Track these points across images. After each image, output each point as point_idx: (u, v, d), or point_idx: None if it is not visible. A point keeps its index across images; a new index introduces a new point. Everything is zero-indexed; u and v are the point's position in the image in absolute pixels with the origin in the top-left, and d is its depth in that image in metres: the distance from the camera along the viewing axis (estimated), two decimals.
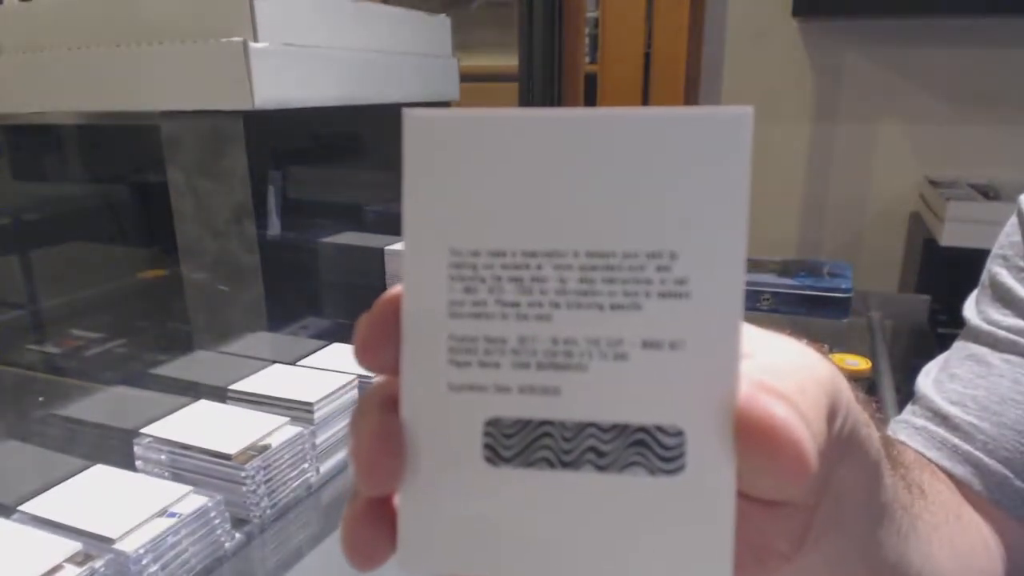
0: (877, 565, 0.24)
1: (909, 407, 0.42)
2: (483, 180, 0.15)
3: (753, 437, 0.15)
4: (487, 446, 0.15)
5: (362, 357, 0.16)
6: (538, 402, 0.15)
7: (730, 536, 0.15)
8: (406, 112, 0.15)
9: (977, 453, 0.37)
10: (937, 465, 0.38)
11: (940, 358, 0.43)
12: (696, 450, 0.15)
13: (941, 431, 0.39)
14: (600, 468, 0.15)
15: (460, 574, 0.16)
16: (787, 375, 0.16)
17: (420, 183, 0.15)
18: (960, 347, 0.42)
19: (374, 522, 0.17)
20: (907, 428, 0.40)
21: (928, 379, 0.42)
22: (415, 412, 0.16)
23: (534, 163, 0.15)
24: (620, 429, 0.15)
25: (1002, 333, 0.39)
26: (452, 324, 0.15)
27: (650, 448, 0.15)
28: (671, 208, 0.15)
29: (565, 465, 0.15)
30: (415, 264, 0.15)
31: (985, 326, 0.40)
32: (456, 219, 0.15)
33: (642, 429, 0.15)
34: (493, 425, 0.15)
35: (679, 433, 0.15)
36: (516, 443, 0.15)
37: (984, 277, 0.43)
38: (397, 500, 0.16)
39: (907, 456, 0.35)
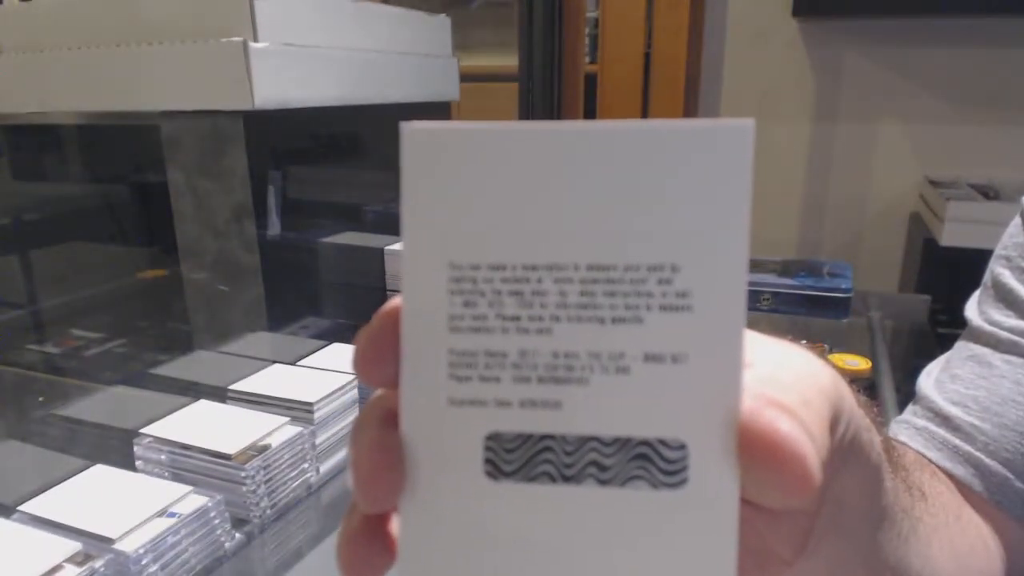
0: (878, 568, 0.24)
1: (910, 407, 0.42)
2: (482, 193, 0.15)
3: (757, 451, 0.15)
4: (488, 461, 0.15)
5: (361, 371, 0.16)
6: (539, 416, 0.15)
7: (734, 550, 0.15)
8: (404, 126, 0.15)
9: (978, 454, 0.37)
10: (938, 466, 0.38)
11: (941, 358, 0.43)
12: (699, 464, 0.15)
13: (942, 432, 0.38)
14: (602, 482, 0.15)
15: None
16: (790, 386, 0.16)
17: (419, 197, 0.15)
18: (961, 347, 0.42)
19: (371, 540, 0.17)
20: (908, 429, 0.40)
21: (929, 379, 0.42)
22: (415, 427, 0.16)
23: (534, 176, 0.15)
24: (622, 443, 0.15)
25: (1004, 334, 0.39)
26: (452, 338, 0.15)
27: (652, 462, 0.15)
28: (672, 221, 0.14)
29: (567, 479, 0.15)
30: (414, 278, 0.15)
31: (987, 327, 0.40)
32: (455, 233, 0.15)
33: (644, 443, 0.15)
34: (494, 440, 0.15)
35: (682, 447, 0.15)
36: (517, 458, 0.15)
37: (986, 278, 0.43)
38: (397, 515, 0.16)
39: (907, 458, 0.34)
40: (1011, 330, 0.39)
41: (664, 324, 0.15)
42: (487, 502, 0.15)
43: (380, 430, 0.16)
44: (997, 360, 0.39)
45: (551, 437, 0.15)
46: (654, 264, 0.15)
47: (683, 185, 0.14)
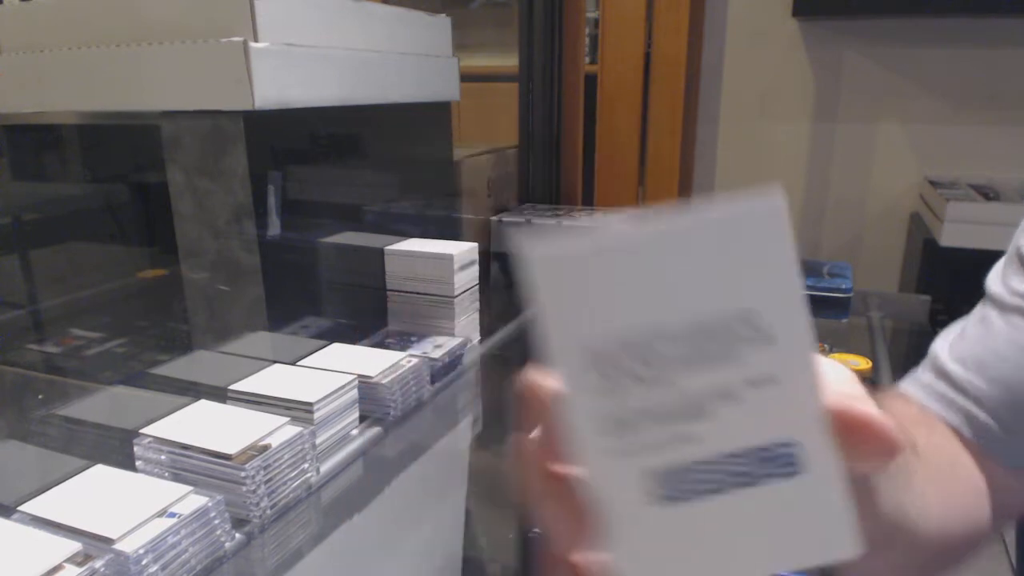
0: (877, 515, 0.27)
1: (922, 365, 0.47)
2: (600, 292, 0.18)
3: (861, 434, 0.20)
4: (656, 494, 0.19)
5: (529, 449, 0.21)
6: (684, 448, 0.19)
7: (851, 508, 0.19)
8: (529, 251, 0.18)
9: (968, 405, 0.42)
10: (936, 415, 0.43)
11: (960, 321, 0.47)
12: (809, 452, 0.19)
13: (942, 385, 0.44)
14: (744, 485, 0.19)
15: None
16: (851, 383, 0.22)
17: (551, 304, 0.19)
18: (977, 311, 0.46)
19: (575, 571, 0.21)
20: (915, 383, 0.46)
21: (945, 341, 0.46)
22: (595, 483, 0.20)
23: (635, 271, 0.18)
24: (752, 452, 0.19)
25: (1013, 299, 0.43)
26: (601, 403, 0.19)
27: (776, 460, 0.19)
28: (745, 278, 0.18)
29: (719, 491, 0.19)
30: (562, 365, 0.19)
31: (1003, 293, 0.44)
32: (587, 326, 0.19)
33: (765, 447, 0.19)
34: (654, 476, 0.19)
35: (794, 443, 0.19)
36: (678, 484, 0.19)
37: (1011, 250, 0.45)
38: (598, 554, 0.20)
39: (907, 416, 0.41)
40: (1022, 295, 0.42)
41: (757, 356, 0.19)
42: (661, 525, 0.19)
43: (567, 496, 0.20)
44: (999, 320, 0.43)
45: (698, 461, 0.19)
46: (739, 313, 0.19)
47: (746, 250, 0.18)
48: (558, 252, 0.18)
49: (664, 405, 0.19)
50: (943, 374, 0.44)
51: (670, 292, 0.19)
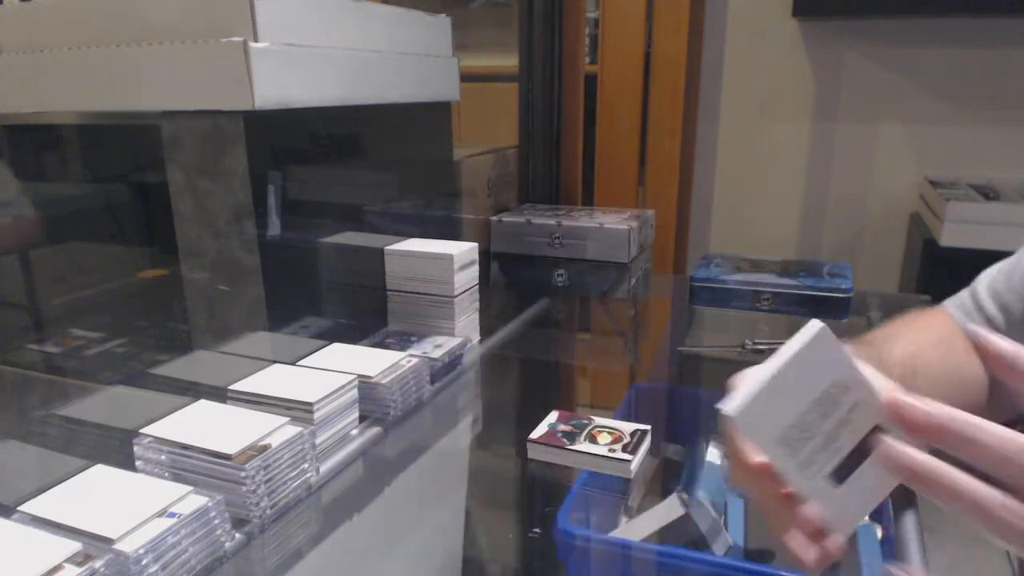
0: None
1: (968, 287, 0.61)
2: (767, 407, 0.35)
3: (899, 411, 0.35)
4: (833, 480, 0.37)
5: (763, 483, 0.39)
6: (836, 457, 0.37)
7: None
8: (727, 408, 0.35)
9: (979, 317, 0.58)
10: (961, 325, 0.59)
11: (1013, 256, 0.59)
12: (884, 426, 0.37)
13: (969, 303, 0.59)
14: (864, 456, 0.37)
15: (857, 523, 0.44)
16: (886, 379, 0.39)
17: (746, 425, 0.36)
18: (1022, 249, 0.58)
19: (814, 536, 0.38)
20: (955, 299, 0.61)
21: (990, 270, 0.60)
22: (804, 492, 0.37)
23: (778, 390, 0.35)
24: (863, 440, 0.37)
25: None
26: (792, 459, 0.36)
27: (871, 438, 0.37)
28: (826, 367, 0.36)
29: (855, 467, 0.37)
30: (765, 449, 0.36)
31: None
32: (768, 428, 0.36)
33: (867, 435, 0.37)
34: (829, 475, 0.37)
35: (878, 428, 0.37)
36: (839, 472, 0.37)
37: None
38: (816, 518, 0.38)
39: (942, 331, 0.58)
40: None
41: (846, 397, 0.36)
42: (839, 494, 0.37)
43: (791, 502, 0.38)
44: None
45: (843, 459, 0.37)
46: (831, 384, 0.36)
47: (820, 355, 0.36)
48: (740, 403, 0.35)
49: (820, 444, 0.36)
50: (973, 294, 0.60)
51: (797, 392, 0.36)
